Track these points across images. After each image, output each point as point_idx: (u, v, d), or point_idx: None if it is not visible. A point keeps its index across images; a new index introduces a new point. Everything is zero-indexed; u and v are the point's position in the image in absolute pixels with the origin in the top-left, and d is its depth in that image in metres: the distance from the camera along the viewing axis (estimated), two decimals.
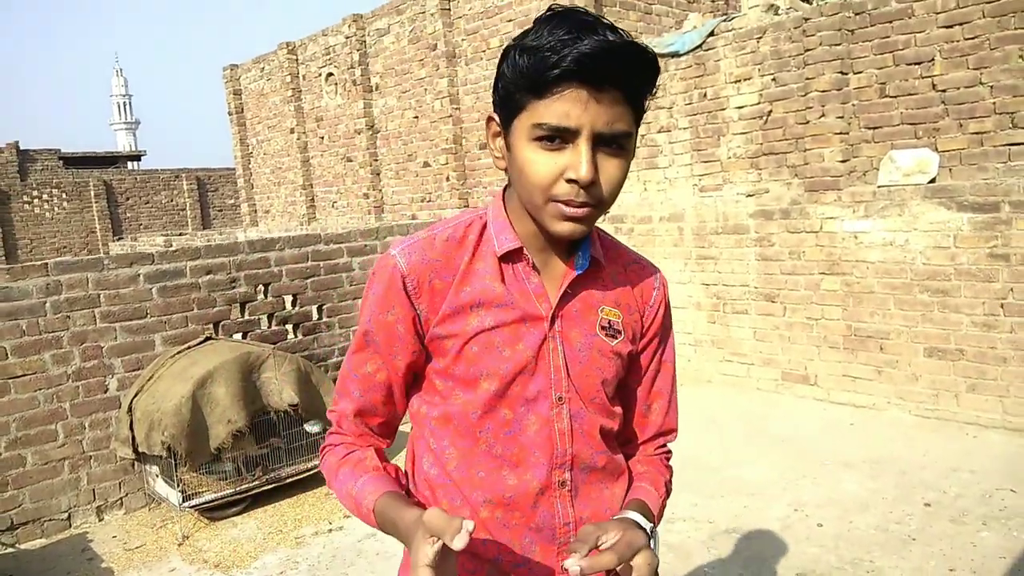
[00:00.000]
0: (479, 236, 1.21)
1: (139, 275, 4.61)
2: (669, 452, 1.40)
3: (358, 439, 1.26)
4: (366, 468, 1.20)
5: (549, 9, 1.08)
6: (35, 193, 20.71)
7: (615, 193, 1.11)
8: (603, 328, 1.23)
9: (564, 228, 1.10)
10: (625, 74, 1.03)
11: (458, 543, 0.88)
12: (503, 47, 7.37)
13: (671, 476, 1.38)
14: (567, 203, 1.07)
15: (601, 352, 1.22)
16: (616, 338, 1.24)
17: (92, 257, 4.56)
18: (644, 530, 1.12)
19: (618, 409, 1.30)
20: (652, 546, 1.13)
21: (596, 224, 1.23)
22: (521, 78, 1.05)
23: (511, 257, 1.20)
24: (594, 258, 1.23)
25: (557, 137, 1.04)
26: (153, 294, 4.67)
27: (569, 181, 1.05)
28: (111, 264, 4.53)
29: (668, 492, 1.34)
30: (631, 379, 1.32)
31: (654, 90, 1.10)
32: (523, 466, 1.20)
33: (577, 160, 1.04)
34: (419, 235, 1.22)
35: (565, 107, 1.02)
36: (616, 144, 1.07)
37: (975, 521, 3.77)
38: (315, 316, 5.40)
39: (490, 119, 1.16)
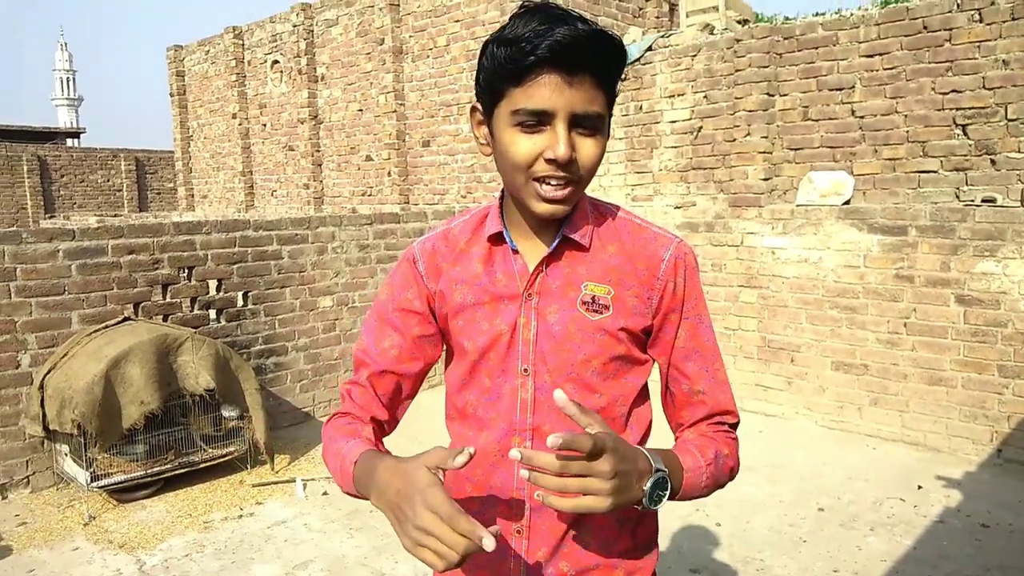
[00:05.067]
0: (480, 223, 1.33)
1: (58, 251, 4.53)
2: (730, 429, 1.32)
3: (362, 408, 1.34)
4: (358, 434, 1.27)
5: (522, 6, 1.16)
6: None
7: (592, 171, 1.18)
8: (584, 303, 1.24)
9: (545, 209, 1.18)
10: (596, 60, 1.11)
11: (460, 460, 0.99)
12: (449, 46, 7.37)
13: (731, 452, 1.29)
14: (545, 182, 1.15)
15: (580, 327, 1.23)
16: (601, 314, 1.24)
17: (10, 230, 4.48)
18: (646, 457, 1.09)
19: (614, 391, 1.27)
20: (648, 486, 1.06)
21: (604, 201, 1.34)
22: (500, 68, 1.13)
23: (501, 240, 1.30)
24: (567, 237, 1.25)
25: (536, 121, 1.12)
26: (72, 271, 4.60)
27: (548, 161, 1.13)
28: (30, 238, 4.45)
29: (719, 465, 1.25)
30: (660, 360, 1.32)
31: (623, 75, 1.18)
32: (488, 428, 1.28)
33: (555, 140, 1.11)
34: (441, 225, 1.39)
35: (542, 92, 1.10)
36: (591, 125, 1.14)
37: (863, 526, 3.97)
38: (240, 302, 5.37)
39: (473, 109, 1.24)
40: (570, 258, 1.26)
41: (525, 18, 1.11)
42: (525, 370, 1.26)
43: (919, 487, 4.42)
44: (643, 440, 1.33)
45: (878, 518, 4.06)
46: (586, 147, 1.15)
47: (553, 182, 1.15)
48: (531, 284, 1.26)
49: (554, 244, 1.25)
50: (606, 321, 1.24)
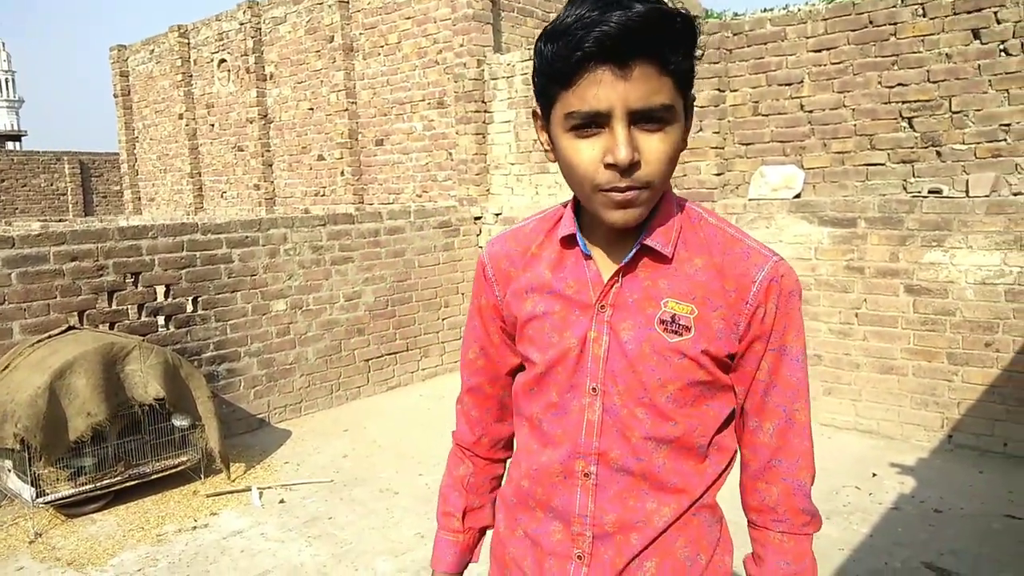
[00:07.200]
0: (554, 224, 1.23)
1: None
2: (806, 516, 1.22)
3: (465, 438, 1.42)
4: (450, 527, 1.41)
5: None
6: None
7: (665, 170, 1.05)
8: (663, 322, 1.12)
9: (616, 217, 1.07)
10: (653, 44, 0.98)
11: None
12: (400, 43, 7.26)
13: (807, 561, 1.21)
14: (612, 190, 1.04)
15: (656, 348, 1.11)
16: (681, 335, 1.11)
17: None
18: None
19: (692, 419, 1.16)
20: None
21: (696, 204, 1.21)
22: (548, 68, 1.03)
23: (573, 243, 1.19)
24: (646, 246, 1.13)
25: (592, 123, 1.02)
26: (12, 280, 4.43)
27: (608, 166, 1.02)
28: None
29: None
30: (738, 389, 1.19)
31: (697, 52, 1.05)
32: (552, 446, 1.20)
33: (613, 143, 1.00)
34: (514, 225, 1.32)
35: (592, 90, 0.99)
36: (657, 119, 1.02)
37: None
38: (189, 308, 5.24)
39: (535, 114, 1.15)
40: (649, 269, 1.14)
41: (575, 4, 1.01)
42: (593, 389, 1.15)
43: (874, 475, 4.50)
44: (725, 471, 1.23)
45: (834, 507, 4.11)
46: (652, 144, 1.02)
47: (620, 188, 1.03)
48: (604, 295, 1.14)
49: (631, 253, 1.13)
50: (686, 343, 1.11)
